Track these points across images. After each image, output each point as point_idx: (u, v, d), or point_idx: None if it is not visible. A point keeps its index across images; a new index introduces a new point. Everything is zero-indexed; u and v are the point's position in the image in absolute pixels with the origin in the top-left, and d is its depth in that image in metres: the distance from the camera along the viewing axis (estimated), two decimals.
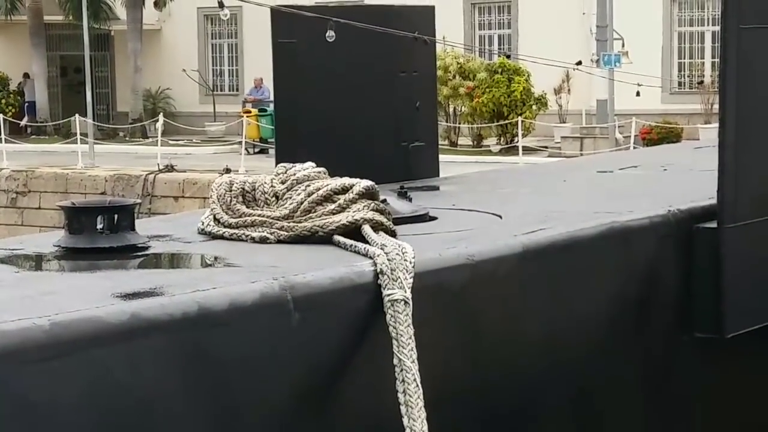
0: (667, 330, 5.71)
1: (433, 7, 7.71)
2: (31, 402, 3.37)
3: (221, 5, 23.45)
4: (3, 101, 40.43)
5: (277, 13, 7.15)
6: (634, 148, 27.08)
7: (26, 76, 41.77)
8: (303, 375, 4.09)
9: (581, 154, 27.72)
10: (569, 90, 33.76)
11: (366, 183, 4.85)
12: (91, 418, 3.51)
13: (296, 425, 4.06)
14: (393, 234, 4.69)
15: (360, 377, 4.19)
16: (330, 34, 6.79)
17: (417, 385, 3.99)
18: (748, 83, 5.88)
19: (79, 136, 32.08)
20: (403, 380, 4.00)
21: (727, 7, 5.84)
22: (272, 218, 4.84)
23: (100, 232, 4.59)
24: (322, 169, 5.01)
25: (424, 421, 3.95)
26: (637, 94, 29.18)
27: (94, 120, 33.09)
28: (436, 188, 7.01)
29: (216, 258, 4.56)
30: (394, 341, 4.06)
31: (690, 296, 5.76)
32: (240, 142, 31.68)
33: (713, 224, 5.73)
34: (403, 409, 3.96)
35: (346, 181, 4.86)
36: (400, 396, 3.99)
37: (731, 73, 5.86)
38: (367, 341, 4.18)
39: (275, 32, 7.10)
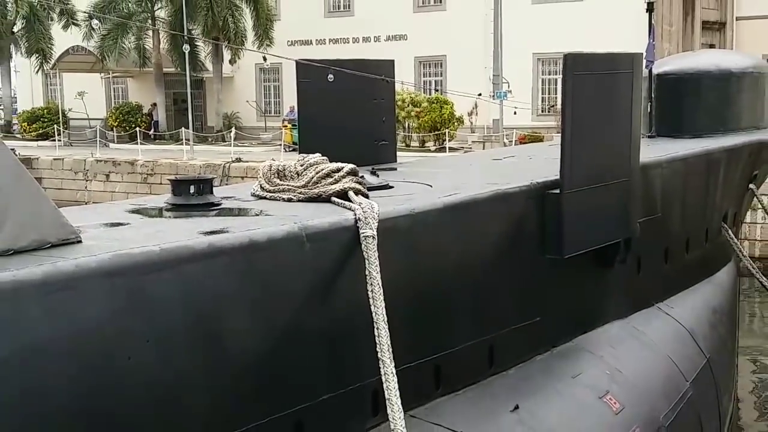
0: (530, 254, 5.70)
1: (393, 61, 7.65)
2: (151, 300, 3.36)
3: (265, 59, 24.01)
4: (139, 119, 40.01)
5: (300, 64, 7.12)
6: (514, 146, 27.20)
7: (153, 105, 41.36)
8: (312, 282, 4.08)
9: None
10: (477, 113, 33.47)
11: (350, 166, 4.84)
12: (187, 309, 3.51)
13: (309, 310, 4.06)
14: (366, 196, 4.67)
15: (346, 282, 4.17)
16: (330, 77, 6.74)
17: (379, 287, 4.00)
18: (577, 106, 5.87)
19: (184, 141, 31.79)
20: (371, 284, 4.01)
21: (566, 62, 5.83)
22: (294, 187, 4.84)
23: (192, 194, 4.60)
24: (325, 157, 4.97)
25: (384, 308, 3.97)
26: (515, 113, 29.33)
27: (192, 131, 32.82)
28: (394, 169, 6.96)
29: (261, 211, 4.54)
30: (366, 261, 4.07)
31: (543, 233, 5.76)
32: (281, 145, 31.47)
33: (557, 191, 5.73)
34: (371, 301, 3.98)
35: (339, 164, 4.83)
36: (369, 293, 4.00)
37: (568, 101, 5.85)
38: (350, 261, 4.17)
39: (299, 75, 7.08)
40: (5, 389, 2.86)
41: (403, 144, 30.32)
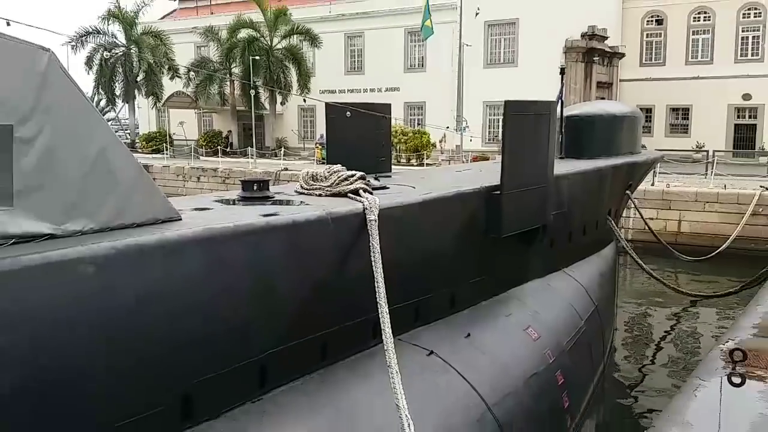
0: (479, 233, 5.67)
1: (390, 104, 7.58)
2: (227, 260, 3.33)
3: (304, 101, 23.86)
4: (220, 141, 39.47)
5: (328, 105, 7.07)
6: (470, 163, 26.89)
7: (229, 131, 41.00)
8: (334, 249, 4.05)
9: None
10: (445, 141, 33.09)
11: (361, 173, 4.80)
12: (251, 267, 3.48)
13: (332, 268, 4.03)
14: (371, 193, 4.65)
15: (357, 250, 4.14)
16: (348, 114, 6.71)
17: (379, 254, 3.98)
18: (512, 136, 5.84)
19: (249, 156, 31.63)
20: (372, 253, 3.99)
21: (506, 106, 5.80)
22: (323, 186, 4.80)
23: (255, 190, 4.56)
24: (344, 167, 4.94)
25: (381, 267, 3.94)
26: (470, 140, 29.23)
27: (255, 149, 32.58)
28: (390, 176, 6.94)
29: (301, 202, 4.50)
30: (370, 236, 4.05)
31: (488, 220, 5.73)
32: (314, 159, 31.24)
33: (498, 192, 5.71)
34: (373, 262, 3.96)
35: (353, 172, 4.80)
36: (372, 257, 3.97)
37: (506, 132, 5.81)
38: (360, 237, 4.15)
39: (327, 113, 7.00)
40: (135, 321, 2.87)
41: (395, 161, 30.08)
